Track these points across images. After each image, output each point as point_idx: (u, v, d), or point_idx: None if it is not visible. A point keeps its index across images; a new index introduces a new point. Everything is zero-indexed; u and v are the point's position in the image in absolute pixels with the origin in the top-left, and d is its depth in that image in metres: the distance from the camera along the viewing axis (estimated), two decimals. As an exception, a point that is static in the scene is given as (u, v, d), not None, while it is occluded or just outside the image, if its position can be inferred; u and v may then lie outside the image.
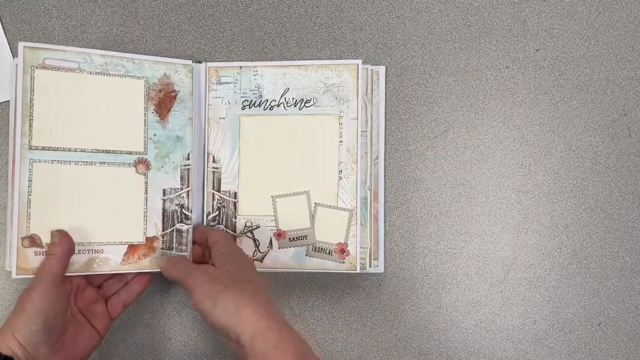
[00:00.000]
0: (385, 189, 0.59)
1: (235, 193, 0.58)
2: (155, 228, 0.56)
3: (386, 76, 0.60)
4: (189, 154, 0.57)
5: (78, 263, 0.53)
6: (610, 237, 0.59)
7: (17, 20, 0.61)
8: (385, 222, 0.59)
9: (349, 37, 0.61)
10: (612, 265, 0.59)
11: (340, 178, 0.57)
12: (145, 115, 0.56)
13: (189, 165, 0.57)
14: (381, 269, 0.59)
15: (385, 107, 0.60)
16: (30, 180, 0.52)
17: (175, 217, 0.57)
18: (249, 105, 0.58)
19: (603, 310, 0.58)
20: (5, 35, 0.61)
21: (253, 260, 0.57)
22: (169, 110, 0.57)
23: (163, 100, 0.56)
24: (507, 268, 0.59)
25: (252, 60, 0.60)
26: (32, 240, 0.52)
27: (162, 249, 0.56)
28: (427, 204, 0.60)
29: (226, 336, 0.47)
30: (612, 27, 0.60)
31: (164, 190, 0.56)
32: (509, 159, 0.60)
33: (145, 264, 0.55)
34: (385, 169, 0.59)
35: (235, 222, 0.58)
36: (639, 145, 0.59)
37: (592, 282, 0.59)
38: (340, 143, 0.57)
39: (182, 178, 0.57)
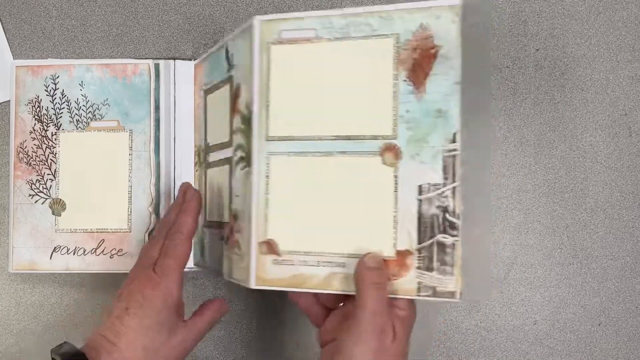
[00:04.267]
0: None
1: None
2: (408, 239, 0.42)
3: (386, 76, 0.60)
4: (454, 134, 0.41)
5: (317, 277, 0.43)
6: (610, 237, 0.59)
7: (17, 20, 0.61)
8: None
9: (349, 37, 0.61)
10: (612, 266, 0.58)
11: None
12: (395, 85, 0.42)
13: (455, 150, 0.41)
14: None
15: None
16: (267, 177, 0.44)
17: (436, 224, 0.41)
18: None
19: (603, 310, 0.58)
20: (5, 35, 0.61)
21: None
22: (427, 75, 0.42)
23: (419, 62, 0.42)
24: (507, 268, 0.59)
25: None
26: (270, 247, 0.44)
27: (419, 268, 0.41)
28: (427, 203, 0.59)
29: None
30: (612, 27, 0.60)
31: (420, 187, 0.42)
32: (509, 159, 0.60)
33: (395, 288, 0.42)
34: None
35: None
36: (639, 145, 0.59)
37: (593, 282, 0.59)
38: None
39: (445, 169, 0.41)
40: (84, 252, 0.57)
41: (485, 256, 0.59)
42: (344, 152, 0.43)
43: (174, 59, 0.59)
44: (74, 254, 0.57)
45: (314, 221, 0.44)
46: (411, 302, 0.42)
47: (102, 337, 0.44)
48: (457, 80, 0.41)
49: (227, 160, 0.49)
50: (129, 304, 0.44)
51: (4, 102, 0.60)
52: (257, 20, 0.44)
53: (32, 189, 0.58)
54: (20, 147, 0.58)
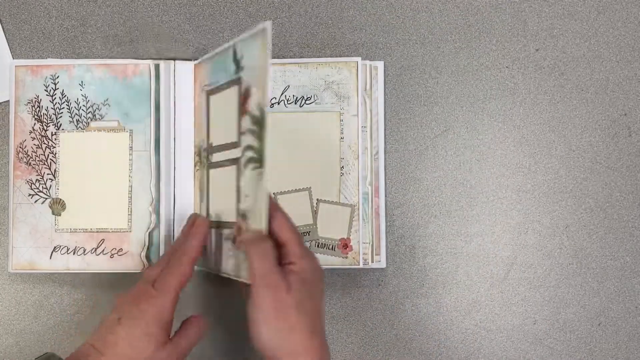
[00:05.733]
0: (385, 184, 0.59)
1: None
2: None
3: (386, 76, 0.60)
4: None
5: None
6: (610, 237, 0.59)
7: (17, 20, 0.61)
8: (386, 220, 0.59)
9: (349, 37, 0.61)
10: (612, 265, 0.58)
11: (342, 174, 0.57)
12: None
13: None
14: (383, 264, 0.59)
15: (385, 103, 0.60)
16: None
17: None
18: None
19: (603, 310, 0.58)
20: (5, 35, 0.61)
21: None
22: None
23: None
24: (507, 268, 0.59)
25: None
26: None
27: None
28: (427, 204, 0.60)
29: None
30: (612, 27, 0.60)
31: None
32: (509, 159, 0.60)
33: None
34: (385, 164, 0.59)
35: None
36: (639, 145, 0.59)
37: (592, 282, 0.59)
38: (342, 139, 0.57)
39: None
40: (84, 251, 0.57)
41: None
42: None
43: (174, 59, 0.59)
44: (74, 253, 0.57)
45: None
46: (303, 256, 0.46)
47: (91, 346, 0.45)
48: None
49: (234, 161, 0.50)
50: (122, 314, 0.46)
51: (4, 102, 0.60)
52: (269, 24, 0.46)
53: (31, 189, 0.58)
54: (20, 147, 0.58)
